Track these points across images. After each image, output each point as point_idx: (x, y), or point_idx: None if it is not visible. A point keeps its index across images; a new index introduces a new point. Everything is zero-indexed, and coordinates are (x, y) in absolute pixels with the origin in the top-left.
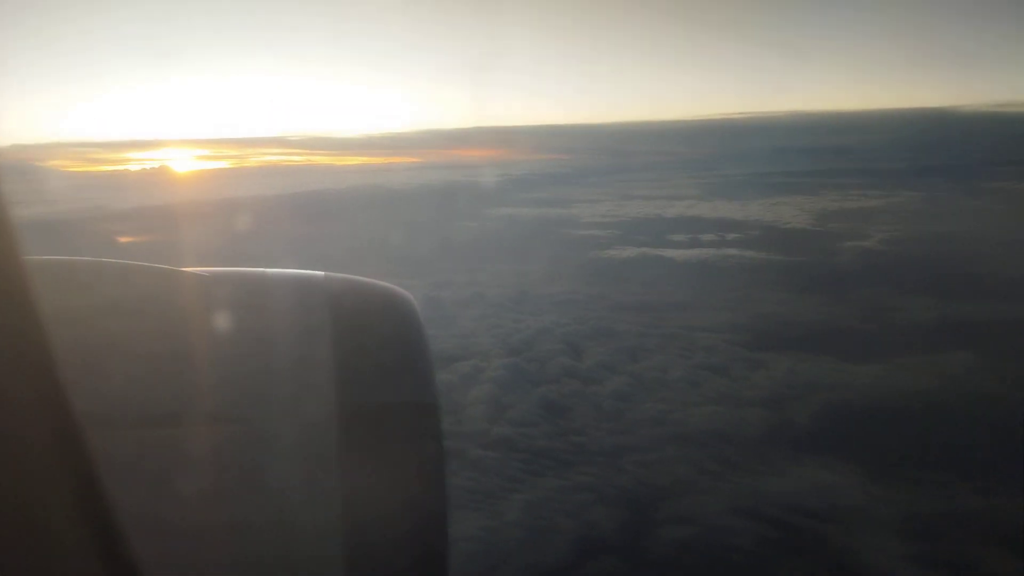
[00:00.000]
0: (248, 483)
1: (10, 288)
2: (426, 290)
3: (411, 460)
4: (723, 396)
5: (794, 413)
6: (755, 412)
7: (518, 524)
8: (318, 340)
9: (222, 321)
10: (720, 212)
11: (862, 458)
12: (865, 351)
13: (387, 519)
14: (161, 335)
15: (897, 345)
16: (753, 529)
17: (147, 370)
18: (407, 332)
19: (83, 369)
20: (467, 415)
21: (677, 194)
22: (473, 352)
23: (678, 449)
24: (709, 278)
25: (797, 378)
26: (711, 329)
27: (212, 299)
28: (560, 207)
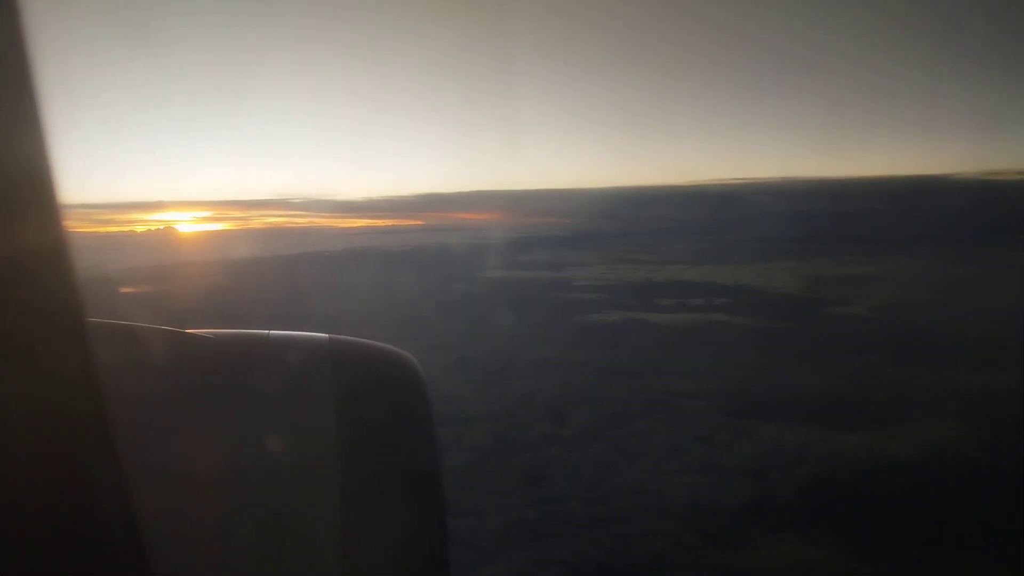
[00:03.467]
0: (249, 548)
1: (75, 343)
2: (415, 353)
3: (413, 527)
4: (705, 465)
5: (777, 484)
6: (738, 482)
7: None
8: (322, 403)
9: (226, 384)
10: (710, 277)
11: (846, 532)
12: (852, 420)
13: None
14: (164, 397)
15: (884, 414)
16: None
17: (149, 433)
18: (411, 397)
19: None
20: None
21: (669, 258)
22: (455, 418)
23: (656, 521)
24: (696, 343)
25: (782, 447)
26: (696, 395)
27: (216, 361)
28: (553, 270)
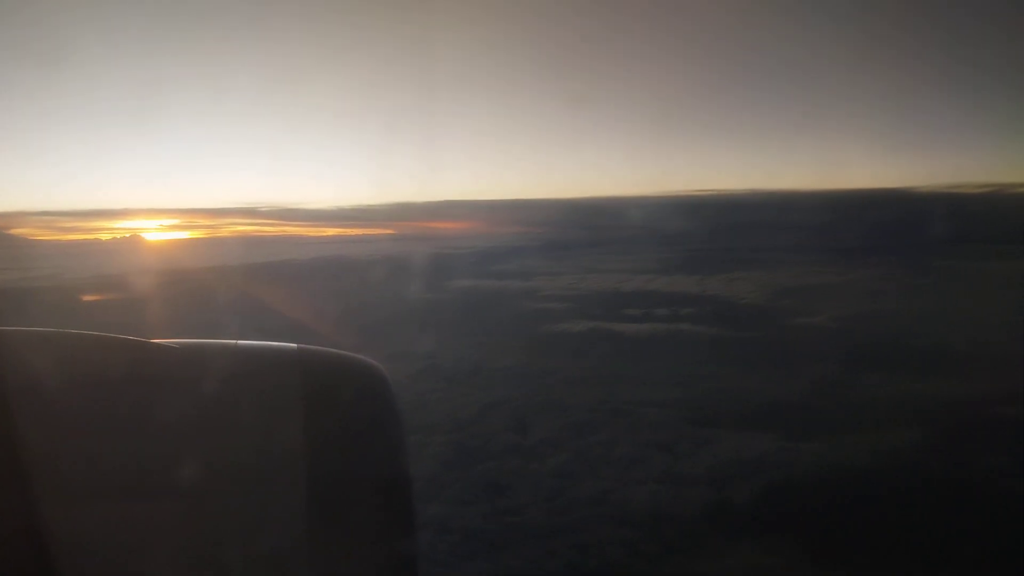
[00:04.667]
0: (216, 557)
1: None
2: (381, 362)
3: (382, 535)
4: (666, 474)
5: (737, 492)
6: (697, 491)
7: None
8: (290, 413)
9: (193, 394)
10: (677, 287)
11: (802, 539)
12: (811, 428)
13: None
14: (131, 407)
15: (844, 422)
16: None
17: (116, 442)
18: (379, 406)
19: (51, 441)
20: None
21: (638, 268)
22: (418, 427)
23: (615, 530)
24: (660, 353)
25: (742, 455)
26: (659, 404)
27: (183, 371)
28: (522, 280)
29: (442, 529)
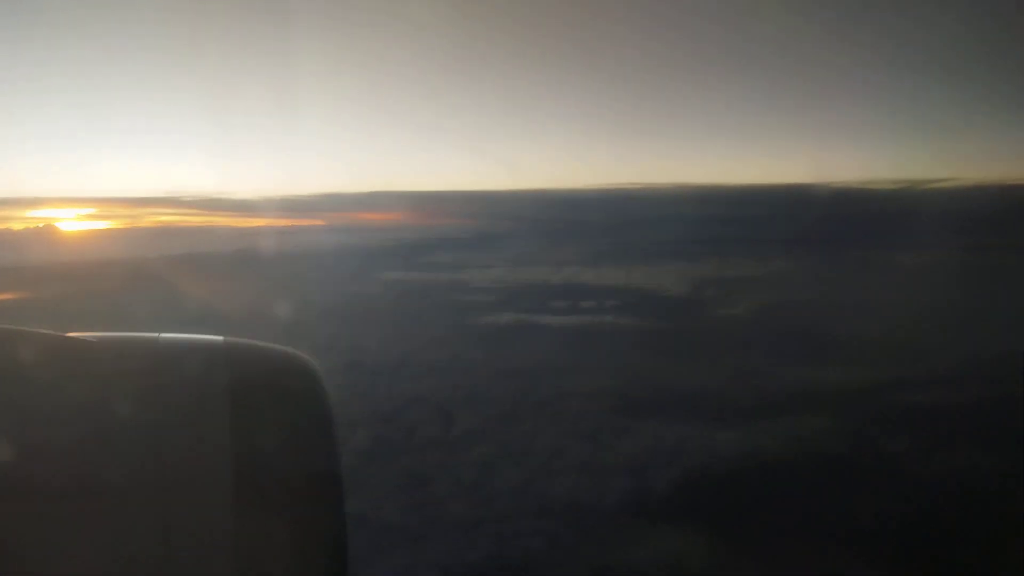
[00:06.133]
0: (138, 557)
1: None
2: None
3: (311, 532)
4: (587, 464)
5: (655, 480)
6: (617, 480)
7: None
8: (216, 407)
9: (111, 389)
10: (604, 279)
11: (718, 526)
12: (729, 416)
13: None
14: (45, 404)
15: (759, 410)
16: None
17: (28, 440)
18: (309, 399)
19: None
20: None
21: (567, 260)
22: (341, 421)
23: (534, 521)
24: (585, 344)
25: (662, 444)
26: (582, 395)
27: (101, 366)
28: (451, 272)
29: (360, 524)
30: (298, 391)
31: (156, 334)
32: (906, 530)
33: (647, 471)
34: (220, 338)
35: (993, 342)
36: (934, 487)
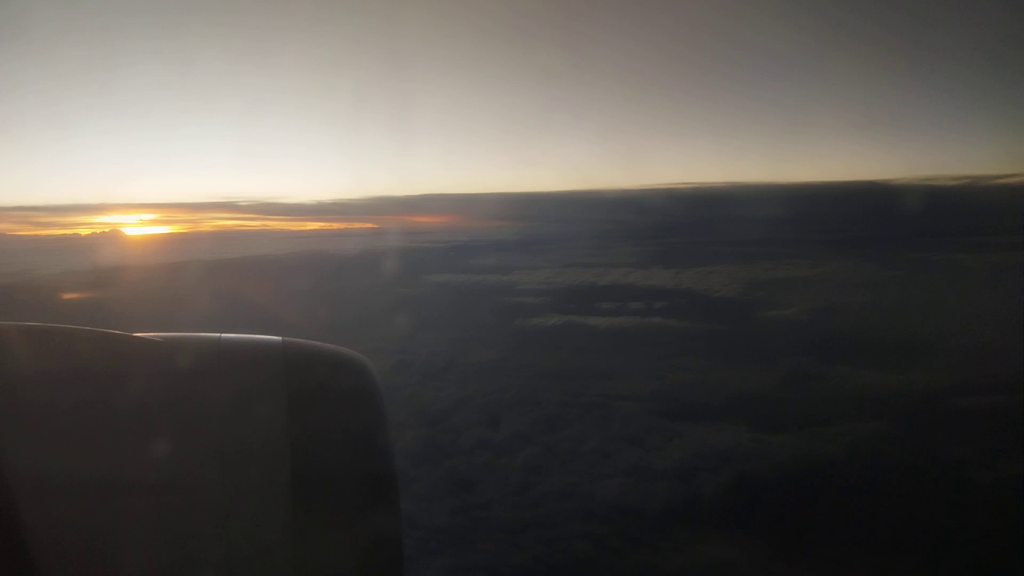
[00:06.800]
0: (201, 553)
1: None
2: None
3: (367, 532)
4: (635, 468)
5: (704, 485)
6: (665, 484)
7: None
8: (274, 407)
9: (176, 387)
10: (653, 280)
11: (766, 532)
12: (780, 421)
13: None
14: (113, 402)
15: (812, 415)
16: None
17: (98, 438)
18: (365, 399)
19: (32, 436)
20: None
21: (616, 262)
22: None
23: (582, 524)
24: (633, 347)
25: (710, 449)
26: (630, 398)
27: (166, 365)
28: (500, 274)
29: (410, 524)
30: (354, 390)
31: (218, 334)
32: (966, 536)
33: (697, 476)
34: (279, 338)
35: None
36: (995, 494)
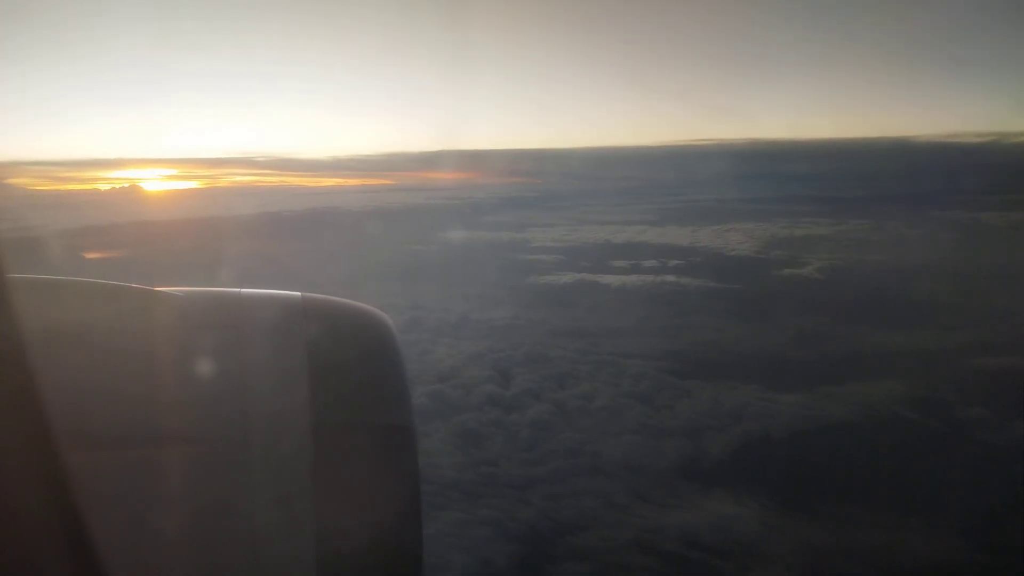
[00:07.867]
0: (222, 503)
1: None
2: None
3: (385, 482)
4: (643, 426)
5: (712, 443)
6: (673, 442)
7: None
8: (294, 361)
9: (197, 341)
10: (668, 238)
11: (773, 491)
12: (792, 380)
13: (361, 542)
14: (135, 355)
15: (824, 374)
16: (649, 565)
17: (121, 390)
18: (383, 354)
19: (56, 388)
20: None
21: (631, 219)
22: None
23: (589, 481)
24: (647, 305)
25: (720, 407)
26: (642, 356)
27: (187, 319)
28: (514, 231)
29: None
30: (372, 345)
31: (238, 289)
32: (981, 497)
33: (705, 434)
34: (298, 293)
35: None
36: (1011, 456)
